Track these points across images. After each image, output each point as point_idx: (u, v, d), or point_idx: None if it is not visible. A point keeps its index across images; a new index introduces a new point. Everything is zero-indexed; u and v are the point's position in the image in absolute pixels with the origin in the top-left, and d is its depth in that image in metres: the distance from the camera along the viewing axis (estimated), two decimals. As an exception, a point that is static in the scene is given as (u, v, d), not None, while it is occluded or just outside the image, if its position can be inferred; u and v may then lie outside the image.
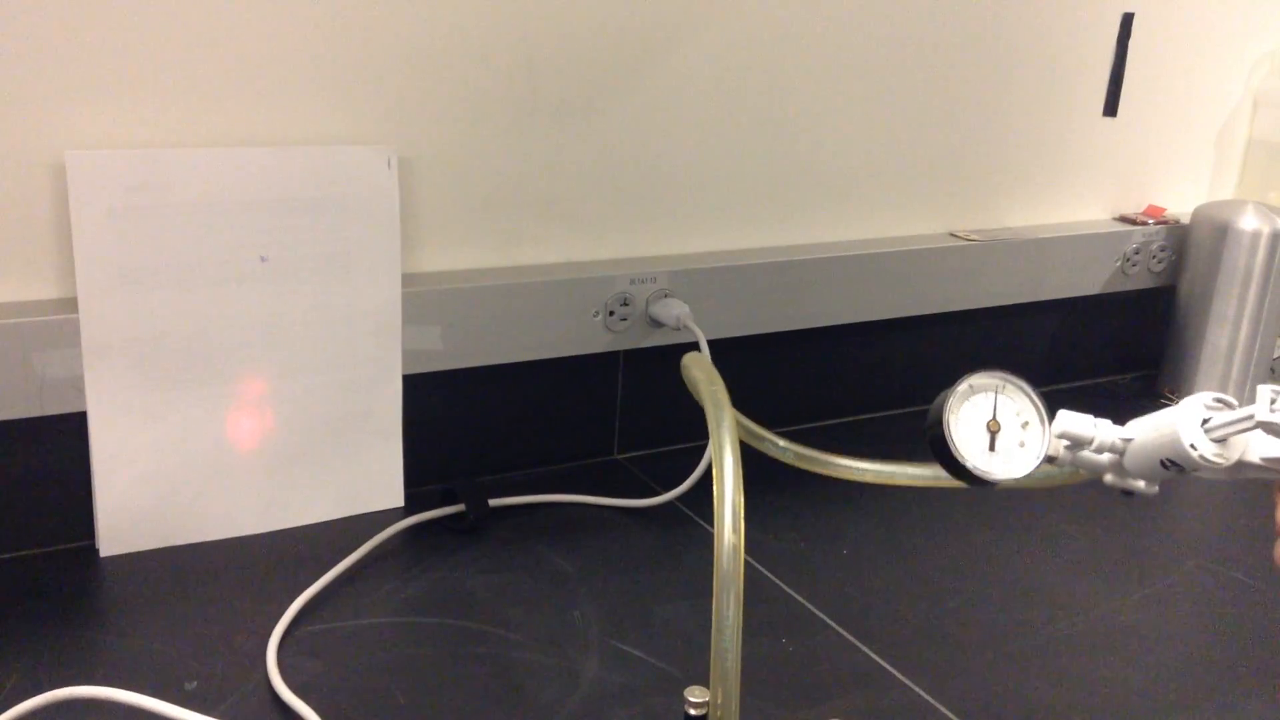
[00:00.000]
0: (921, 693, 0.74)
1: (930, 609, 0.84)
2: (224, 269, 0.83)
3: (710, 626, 0.80)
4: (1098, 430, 0.55)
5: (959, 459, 0.53)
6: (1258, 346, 1.24)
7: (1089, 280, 1.26)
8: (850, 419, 1.18)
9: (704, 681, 0.60)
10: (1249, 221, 1.21)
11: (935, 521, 0.97)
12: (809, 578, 0.86)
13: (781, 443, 0.61)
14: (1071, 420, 0.55)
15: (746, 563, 0.89)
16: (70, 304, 0.80)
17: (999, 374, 0.55)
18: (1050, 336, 1.28)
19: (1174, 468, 0.52)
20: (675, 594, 0.83)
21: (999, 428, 0.54)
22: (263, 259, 0.84)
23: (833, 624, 0.81)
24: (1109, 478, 0.57)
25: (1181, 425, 0.51)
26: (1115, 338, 1.34)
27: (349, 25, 0.86)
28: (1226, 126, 1.36)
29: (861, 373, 1.17)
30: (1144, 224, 1.28)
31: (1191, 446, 0.51)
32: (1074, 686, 0.76)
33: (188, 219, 0.81)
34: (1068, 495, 1.04)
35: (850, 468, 0.64)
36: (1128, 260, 1.27)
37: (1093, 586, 0.88)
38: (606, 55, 0.96)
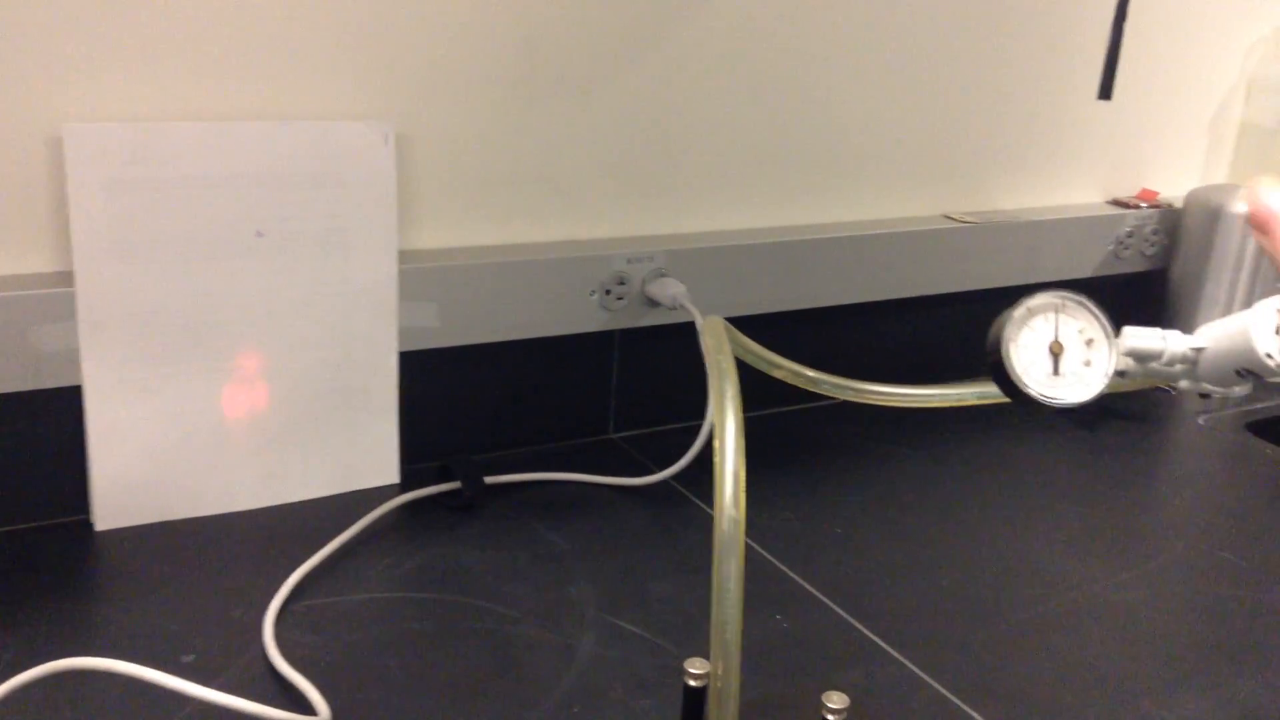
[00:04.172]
0: (915, 669, 0.74)
1: (923, 585, 0.84)
2: (221, 244, 0.83)
3: (705, 602, 0.80)
4: (1166, 343, 0.53)
5: (1022, 388, 0.51)
6: (1248, 330, 1.25)
7: (1082, 263, 1.27)
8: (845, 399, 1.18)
9: (700, 655, 0.60)
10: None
11: (928, 499, 0.98)
12: (802, 554, 0.87)
13: (811, 373, 0.61)
14: (1138, 336, 0.53)
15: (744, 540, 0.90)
16: (67, 277, 0.80)
17: (1057, 293, 0.53)
18: (1043, 319, 1.28)
19: (1249, 375, 0.51)
20: (670, 571, 0.84)
21: (1062, 349, 0.52)
22: (259, 234, 0.84)
23: (826, 600, 0.81)
24: (1183, 383, 0.55)
25: (1255, 333, 0.50)
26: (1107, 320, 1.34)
27: (347, 0, 0.85)
28: (1220, 111, 1.37)
29: (856, 353, 1.18)
30: (1137, 207, 1.29)
31: (1267, 355, 0.49)
32: (1065, 663, 0.76)
33: (185, 193, 0.81)
34: (1060, 474, 1.04)
35: (890, 394, 0.63)
36: (1120, 244, 1.28)
37: (1084, 565, 0.89)
38: (605, 33, 0.96)
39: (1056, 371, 0.52)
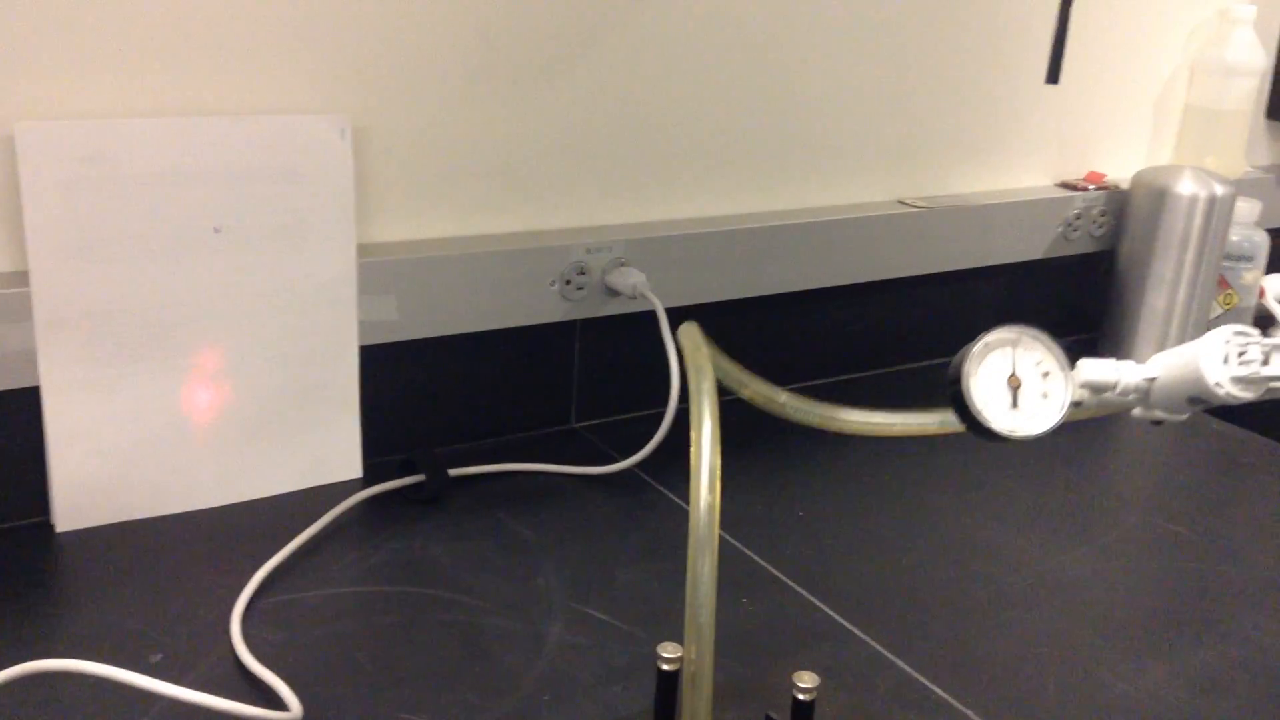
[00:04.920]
0: (878, 647, 0.75)
1: (885, 567, 0.86)
2: (178, 240, 0.82)
3: (673, 588, 0.81)
4: (1120, 373, 0.55)
5: (982, 422, 0.53)
6: (1194, 308, 1.28)
7: (1032, 245, 1.29)
8: (804, 385, 1.19)
9: (669, 639, 0.61)
10: (1186, 186, 1.24)
11: (888, 482, 0.99)
12: (766, 538, 0.88)
13: (782, 397, 0.62)
14: (1093, 369, 0.55)
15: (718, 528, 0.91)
16: (22, 278, 0.79)
17: (1014, 328, 0.54)
18: (995, 301, 1.30)
19: (1200, 403, 0.53)
20: (636, 558, 0.84)
21: (1020, 383, 0.54)
22: (216, 230, 0.83)
23: (791, 583, 0.82)
24: (1137, 411, 0.57)
25: (1205, 364, 0.52)
26: (1058, 301, 1.36)
27: (300, -7, 0.85)
28: (1164, 94, 1.39)
29: (814, 339, 1.19)
30: (1085, 190, 1.31)
31: (1217, 385, 0.51)
32: (1024, 637, 0.78)
33: (140, 190, 0.80)
34: (1015, 456, 1.06)
35: (857, 422, 0.64)
36: (1069, 225, 1.30)
37: (1040, 542, 0.90)
38: (561, 24, 0.96)
39: (1015, 404, 0.53)
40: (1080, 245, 1.32)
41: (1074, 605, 0.82)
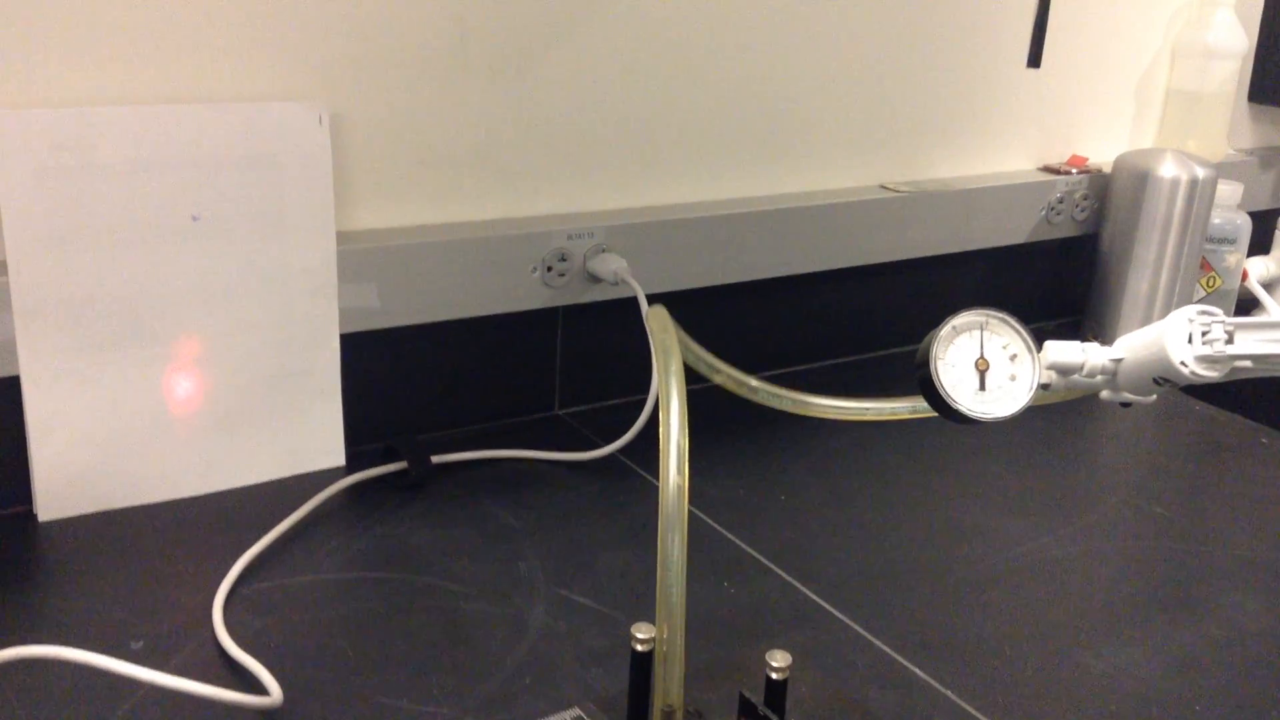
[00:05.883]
0: (859, 629, 0.76)
1: (866, 549, 0.86)
2: (155, 228, 0.82)
3: (654, 571, 0.81)
4: (1086, 355, 0.56)
5: (950, 404, 0.53)
6: (1177, 291, 1.28)
7: (1015, 229, 1.29)
8: (787, 370, 1.20)
9: (649, 621, 0.61)
10: (1168, 169, 1.25)
11: (870, 465, 1.00)
12: (748, 522, 0.88)
13: (753, 382, 0.62)
14: (1059, 350, 0.56)
15: (688, 508, 0.91)
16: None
17: (981, 311, 0.55)
18: (978, 285, 1.31)
19: (1166, 384, 0.53)
20: (619, 542, 0.85)
21: (988, 366, 0.54)
22: (195, 218, 0.83)
23: (773, 566, 0.83)
24: (1105, 394, 0.58)
25: (1170, 343, 0.52)
26: (1040, 285, 1.37)
27: (277, -20, 0.85)
28: (1146, 77, 1.40)
29: (797, 324, 1.19)
30: (1067, 173, 1.31)
31: (1182, 364, 0.52)
32: (1004, 619, 0.78)
33: (117, 178, 0.80)
34: (995, 438, 1.07)
35: (827, 406, 0.65)
36: (1052, 209, 1.30)
37: (1020, 524, 0.91)
38: (538, 10, 0.96)
39: (983, 387, 0.54)
40: (1063, 229, 1.33)
41: (1054, 586, 0.83)
